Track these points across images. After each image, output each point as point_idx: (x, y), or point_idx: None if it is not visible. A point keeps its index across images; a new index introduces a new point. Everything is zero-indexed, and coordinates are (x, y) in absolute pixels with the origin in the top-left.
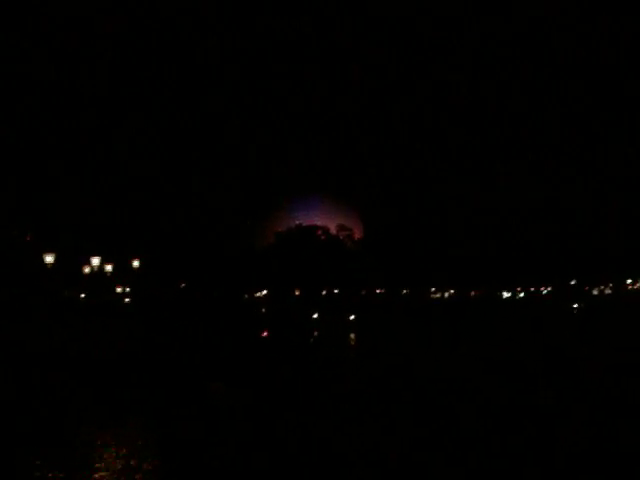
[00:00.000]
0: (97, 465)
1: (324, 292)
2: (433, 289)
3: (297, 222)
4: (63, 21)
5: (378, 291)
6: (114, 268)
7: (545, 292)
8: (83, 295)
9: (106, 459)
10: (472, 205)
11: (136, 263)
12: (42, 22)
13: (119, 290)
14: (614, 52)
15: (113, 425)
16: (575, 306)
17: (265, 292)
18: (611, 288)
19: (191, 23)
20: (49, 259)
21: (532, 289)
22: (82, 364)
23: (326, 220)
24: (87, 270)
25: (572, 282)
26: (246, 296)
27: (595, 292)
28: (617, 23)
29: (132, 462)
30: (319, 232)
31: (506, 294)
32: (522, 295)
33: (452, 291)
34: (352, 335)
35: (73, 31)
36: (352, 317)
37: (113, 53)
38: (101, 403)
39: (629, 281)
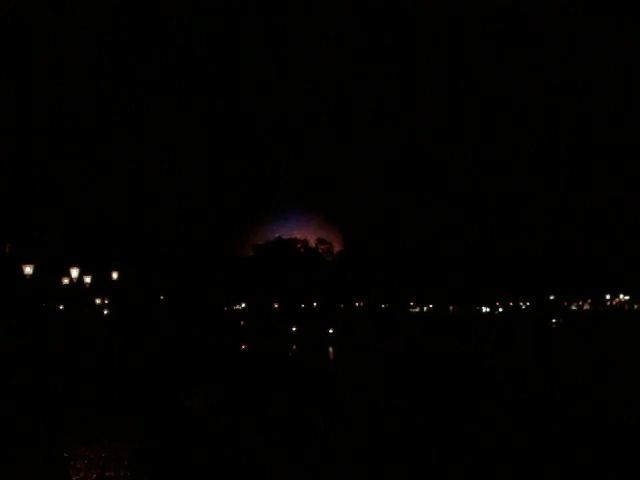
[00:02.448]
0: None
1: (303, 305)
2: (412, 303)
3: (276, 235)
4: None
5: (357, 304)
6: (93, 279)
7: (524, 307)
8: (62, 307)
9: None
10: (452, 219)
11: (115, 275)
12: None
13: (98, 301)
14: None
15: (103, 432)
16: (554, 321)
17: (244, 305)
18: (590, 304)
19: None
20: (28, 270)
21: (511, 304)
22: (65, 371)
23: (305, 233)
24: (66, 281)
25: (551, 297)
26: (225, 309)
27: (574, 307)
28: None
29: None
30: (298, 245)
31: (485, 309)
32: (501, 310)
33: (431, 305)
34: (330, 349)
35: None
36: (331, 330)
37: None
38: (88, 408)
39: (608, 297)
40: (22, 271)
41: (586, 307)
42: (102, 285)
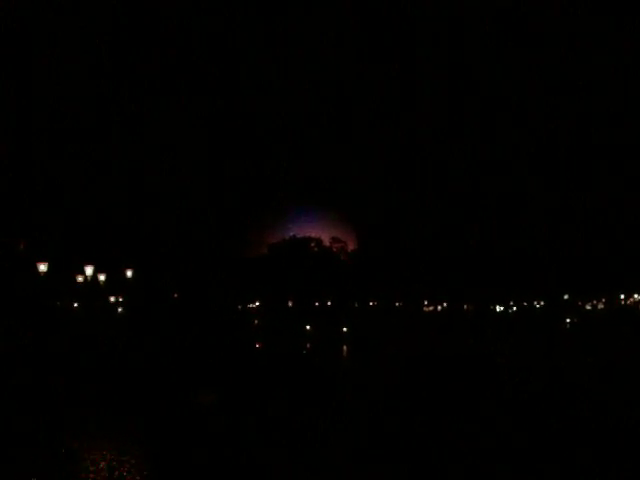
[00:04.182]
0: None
1: (317, 304)
2: (426, 302)
3: (291, 234)
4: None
5: (371, 303)
6: (107, 277)
7: (538, 306)
8: (76, 304)
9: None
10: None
11: (129, 273)
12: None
13: (112, 299)
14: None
15: (105, 431)
16: (568, 320)
17: (258, 303)
18: (604, 303)
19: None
20: (42, 268)
21: (525, 303)
22: (74, 370)
23: (320, 232)
24: (80, 279)
25: (565, 297)
26: (239, 307)
27: (588, 307)
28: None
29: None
30: (312, 244)
31: (499, 308)
32: (515, 309)
33: (445, 304)
34: (344, 347)
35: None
36: (345, 329)
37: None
38: (94, 407)
39: (622, 296)
40: (36, 269)
41: (600, 307)
42: (116, 283)
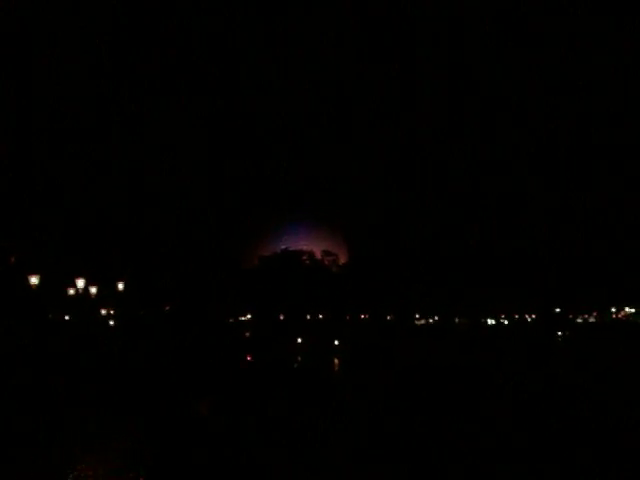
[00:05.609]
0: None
1: (308, 317)
2: (417, 315)
3: (282, 247)
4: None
5: (362, 316)
6: (99, 290)
7: (529, 320)
8: (67, 317)
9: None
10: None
11: (121, 285)
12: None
13: (104, 312)
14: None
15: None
16: (559, 334)
17: (249, 316)
18: (595, 317)
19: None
20: (34, 280)
21: (516, 316)
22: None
23: (311, 245)
24: (72, 292)
25: (556, 310)
26: (231, 320)
27: (579, 320)
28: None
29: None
30: (304, 257)
31: (490, 321)
32: (506, 322)
33: (436, 317)
34: (336, 360)
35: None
36: (336, 342)
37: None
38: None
39: (613, 310)
40: (28, 281)
41: (592, 320)
42: (109, 295)
